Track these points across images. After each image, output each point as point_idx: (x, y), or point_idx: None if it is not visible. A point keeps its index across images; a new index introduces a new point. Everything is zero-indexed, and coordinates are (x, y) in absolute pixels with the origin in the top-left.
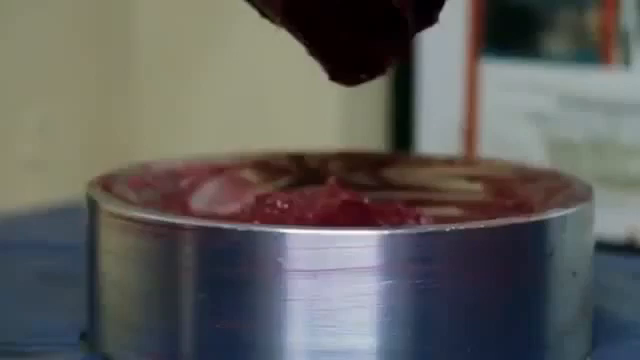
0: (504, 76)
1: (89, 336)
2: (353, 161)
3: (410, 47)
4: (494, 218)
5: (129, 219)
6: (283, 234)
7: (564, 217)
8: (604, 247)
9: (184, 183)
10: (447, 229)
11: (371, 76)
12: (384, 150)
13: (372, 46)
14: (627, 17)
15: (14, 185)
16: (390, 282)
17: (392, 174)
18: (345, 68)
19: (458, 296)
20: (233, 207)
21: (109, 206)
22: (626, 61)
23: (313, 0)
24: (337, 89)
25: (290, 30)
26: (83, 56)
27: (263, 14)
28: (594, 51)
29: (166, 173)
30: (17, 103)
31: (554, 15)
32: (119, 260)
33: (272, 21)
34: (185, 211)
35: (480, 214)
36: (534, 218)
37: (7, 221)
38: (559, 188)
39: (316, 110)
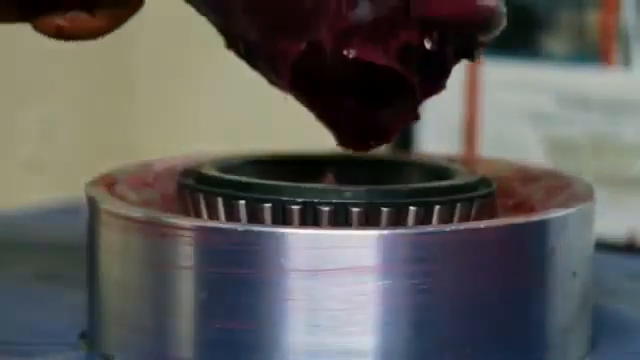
0: (504, 76)
1: (89, 336)
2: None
3: (416, 114)
4: (494, 218)
5: (129, 219)
6: (283, 234)
7: (564, 217)
8: (604, 247)
9: None
10: (447, 229)
11: (378, 143)
12: (384, 150)
13: (379, 114)
14: (627, 17)
15: (14, 185)
16: (389, 282)
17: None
18: (353, 135)
19: (458, 296)
20: None
21: (109, 206)
22: (626, 61)
23: (320, 70)
24: None
25: (297, 97)
26: (83, 56)
27: (272, 81)
28: (594, 51)
29: (166, 173)
30: (17, 103)
31: (554, 15)
32: (119, 260)
33: (280, 88)
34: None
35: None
36: (534, 218)
37: (7, 221)
38: (559, 188)
39: None
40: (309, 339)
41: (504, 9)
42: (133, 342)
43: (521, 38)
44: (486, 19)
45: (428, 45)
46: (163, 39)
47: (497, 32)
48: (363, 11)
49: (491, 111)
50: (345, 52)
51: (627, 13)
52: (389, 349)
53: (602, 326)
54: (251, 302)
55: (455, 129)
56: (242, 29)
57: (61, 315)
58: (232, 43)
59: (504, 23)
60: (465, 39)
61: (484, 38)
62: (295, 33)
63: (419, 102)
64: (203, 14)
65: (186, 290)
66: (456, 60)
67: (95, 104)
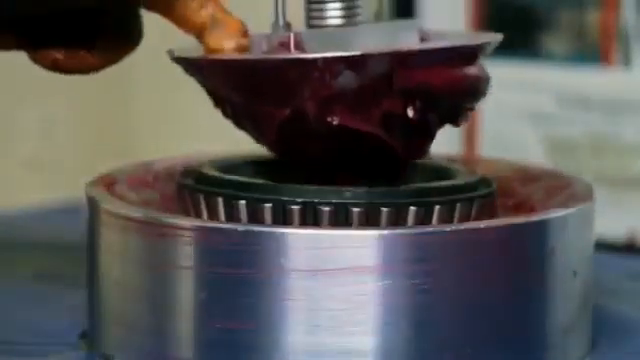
0: (504, 76)
1: (89, 336)
2: None
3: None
4: (494, 218)
5: (129, 219)
6: (283, 234)
7: (564, 217)
8: (604, 247)
9: None
10: (447, 229)
11: None
12: None
13: (362, 175)
14: (627, 17)
15: (14, 185)
16: (389, 282)
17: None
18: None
19: (458, 296)
20: None
21: (109, 206)
22: (626, 61)
23: (305, 133)
24: None
25: (280, 156)
26: None
27: (257, 140)
28: (594, 51)
29: (166, 173)
30: (17, 103)
31: (554, 15)
32: (119, 260)
33: (266, 147)
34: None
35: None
36: (534, 218)
37: (7, 221)
38: (559, 188)
39: None
40: (309, 339)
41: (489, 75)
42: (133, 342)
43: (521, 38)
44: (471, 87)
45: (411, 113)
46: (163, 39)
47: (483, 98)
48: (346, 80)
49: (491, 111)
50: (329, 119)
51: (627, 13)
52: (389, 349)
53: (602, 326)
54: (251, 302)
55: (455, 129)
56: (227, 94)
57: (61, 315)
58: (218, 103)
59: (489, 88)
60: (450, 106)
61: (470, 105)
62: (279, 100)
63: (403, 167)
64: (190, 75)
65: (186, 290)
66: (440, 125)
67: (95, 104)
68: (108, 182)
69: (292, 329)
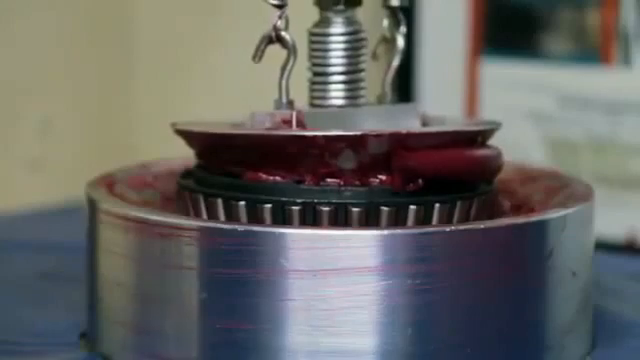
0: (504, 76)
1: (89, 336)
2: None
3: None
4: (494, 217)
5: (129, 219)
6: (283, 234)
7: (564, 217)
8: (604, 247)
9: None
10: (447, 229)
11: None
12: None
13: None
14: (627, 17)
15: (14, 185)
16: (390, 282)
17: None
18: None
19: (458, 296)
20: None
21: (109, 206)
22: (626, 61)
23: None
24: None
25: None
26: (83, 56)
27: None
28: (594, 51)
29: (166, 173)
30: (17, 103)
31: (554, 15)
32: (119, 260)
33: None
34: None
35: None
36: (534, 218)
37: (7, 221)
38: (559, 188)
39: None
40: (309, 339)
41: (500, 151)
42: (133, 342)
43: (521, 38)
44: (480, 169)
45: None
46: (163, 39)
47: (493, 179)
48: (345, 159)
49: (491, 111)
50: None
51: (627, 13)
52: (389, 349)
53: (602, 326)
54: (251, 302)
55: None
56: (224, 165)
57: (61, 315)
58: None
59: (502, 167)
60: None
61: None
62: (278, 171)
63: None
64: (191, 147)
65: (186, 290)
66: None
67: (95, 104)
68: (108, 182)
69: (292, 329)
